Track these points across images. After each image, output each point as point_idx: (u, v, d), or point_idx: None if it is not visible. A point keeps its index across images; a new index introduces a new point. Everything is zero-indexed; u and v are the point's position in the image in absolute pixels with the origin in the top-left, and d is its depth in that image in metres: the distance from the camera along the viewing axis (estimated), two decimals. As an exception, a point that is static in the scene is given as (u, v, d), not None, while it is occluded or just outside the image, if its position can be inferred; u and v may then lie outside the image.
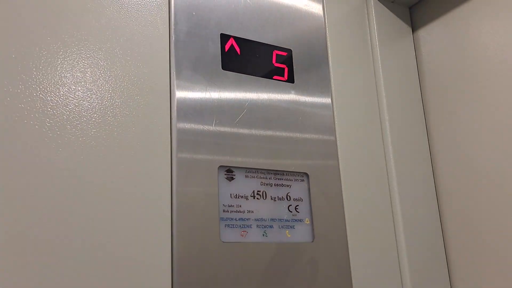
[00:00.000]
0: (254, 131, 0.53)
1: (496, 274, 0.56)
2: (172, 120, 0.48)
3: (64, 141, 0.42)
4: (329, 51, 0.62)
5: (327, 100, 0.59)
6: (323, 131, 0.57)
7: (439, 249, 0.62)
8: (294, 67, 0.58)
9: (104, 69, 0.46)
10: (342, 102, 0.61)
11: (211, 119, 0.50)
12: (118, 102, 0.46)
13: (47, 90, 0.42)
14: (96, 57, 0.46)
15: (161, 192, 0.45)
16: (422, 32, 0.70)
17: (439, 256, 0.61)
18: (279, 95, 0.56)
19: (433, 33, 0.68)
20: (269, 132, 0.54)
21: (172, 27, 0.51)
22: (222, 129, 0.51)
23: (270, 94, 0.55)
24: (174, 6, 0.51)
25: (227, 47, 0.54)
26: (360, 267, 0.55)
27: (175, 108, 0.48)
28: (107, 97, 0.45)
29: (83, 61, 0.45)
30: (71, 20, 0.46)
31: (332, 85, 0.61)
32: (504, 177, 0.56)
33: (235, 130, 0.51)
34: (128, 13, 0.49)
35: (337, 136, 0.58)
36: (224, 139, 0.50)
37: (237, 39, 0.55)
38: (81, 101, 0.44)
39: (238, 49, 0.55)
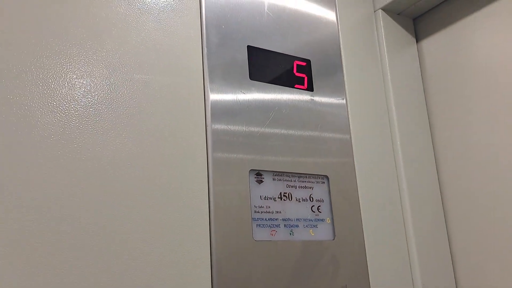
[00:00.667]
0: (279, 135, 0.56)
1: (499, 272, 0.61)
2: (207, 122, 0.51)
3: (107, 143, 0.45)
4: (343, 59, 0.67)
5: (343, 103, 0.64)
6: (339, 131, 0.62)
7: (445, 246, 0.67)
8: (312, 75, 0.62)
9: (145, 80, 0.49)
10: (355, 105, 0.65)
11: (241, 123, 0.54)
12: (159, 108, 0.49)
13: (92, 97, 0.45)
14: (137, 69, 0.49)
15: (199, 192, 0.49)
16: (426, 42, 0.75)
17: (445, 253, 0.66)
18: (301, 102, 0.60)
19: (435, 43, 0.73)
20: (293, 137, 0.57)
21: (204, 39, 0.54)
22: (251, 131, 0.54)
23: (293, 101, 0.59)
24: (206, 20, 0.55)
25: (253, 58, 0.57)
26: (376, 263, 0.59)
27: (210, 110, 0.52)
28: (149, 105, 0.48)
29: (126, 71, 0.48)
30: (115, 35, 0.48)
31: (347, 90, 0.65)
32: (505, 176, 0.61)
33: (263, 133, 0.55)
34: (165, 28, 0.52)
35: (351, 135, 0.63)
36: (253, 140, 0.54)
37: (261, 50, 0.58)
38: (124, 106, 0.47)
39: (263, 60, 0.58)
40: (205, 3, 0.56)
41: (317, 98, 0.61)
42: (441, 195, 0.69)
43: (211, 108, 0.52)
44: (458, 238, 0.67)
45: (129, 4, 0.50)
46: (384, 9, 0.73)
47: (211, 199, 0.49)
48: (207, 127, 0.51)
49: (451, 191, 0.68)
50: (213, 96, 0.53)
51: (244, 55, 0.57)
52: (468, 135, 0.67)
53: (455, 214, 0.67)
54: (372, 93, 0.69)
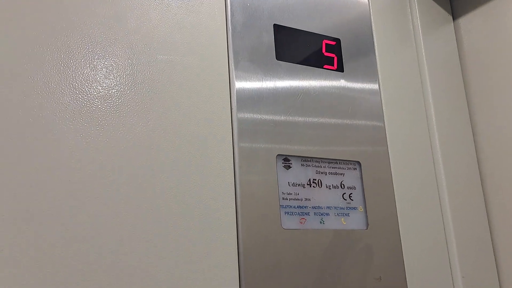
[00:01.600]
0: (308, 119, 0.53)
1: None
2: (233, 110, 0.49)
3: (130, 126, 0.43)
4: (375, 39, 0.63)
5: (375, 87, 0.60)
6: (372, 117, 0.58)
7: (486, 235, 0.63)
8: (343, 56, 0.59)
9: (168, 61, 0.47)
10: (389, 89, 0.61)
11: (267, 109, 0.51)
12: (182, 91, 0.47)
13: (114, 78, 0.44)
14: (160, 49, 0.47)
15: (225, 180, 0.46)
16: (463, 21, 0.70)
17: (486, 243, 0.62)
18: (330, 83, 0.56)
19: (473, 21, 0.69)
20: (322, 120, 0.54)
21: (229, 18, 0.51)
22: (278, 118, 0.51)
23: (321, 83, 0.56)
24: (230, -2, 0.52)
25: (279, 37, 0.54)
26: (412, 253, 0.56)
27: (235, 98, 0.49)
28: (171, 87, 0.46)
29: (148, 52, 0.46)
30: (137, 14, 0.46)
31: (379, 73, 0.61)
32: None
33: (290, 118, 0.52)
34: (188, 7, 0.49)
35: (385, 121, 0.59)
36: (280, 127, 0.51)
37: (289, 29, 0.55)
38: (144, 90, 0.45)
39: (290, 39, 0.55)
40: (229, -20, 0.53)
41: (347, 80, 0.58)
42: (482, 183, 0.65)
43: (236, 96, 0.49)
44: (500, 227, 0.62)
45: (150, -18, 0.48)
46: (419, -15, 0.69)
47: (237, 187, 0.47)
48: (233, 115, 0.49)
49: (493, 180, 0.64)
50: (239, 81, 0.50)
51: (270, 34, 0.54)
52: (510, 119, 0.62)
53: (497, 203, 0.63)
54: (407, 76, 0.65)
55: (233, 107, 0.49)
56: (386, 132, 0.59)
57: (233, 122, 0.48)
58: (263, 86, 0.52)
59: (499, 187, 0.63)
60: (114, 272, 0.39)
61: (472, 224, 0.62)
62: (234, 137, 0.48)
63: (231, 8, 0.52)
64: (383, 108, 0.60)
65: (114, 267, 0.39)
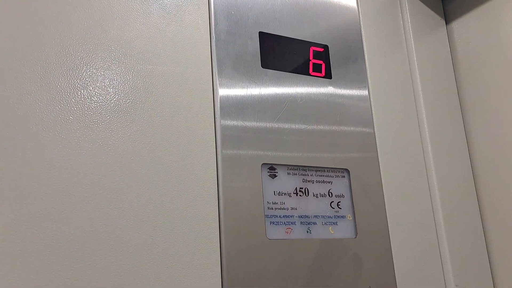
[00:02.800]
0: (294, 127, 0.53)
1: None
2: (216, 118, 0.48)
3: (109, 138, 0.43)
4: (365, 45, 0.62)
5: (365, 93, 0.59)
6: (361, 124, 0.57)
7: (480, 242, 0.61)
8: (331, 62, 0.58)
9: (150, 70, 0.46)
10: (379, 95, 0.61)
11: (253, 116, 0.50)
12: (164, 100, 0.46)
13: (93, 89, 0.43)
14: (142, 58, 0.46)
15: (208, 189, 0.46)
16: (456, 24, 0.69)
17: (480, 250, 0.61)
18: (318, 90, 0.56)
19: (466, 25, 0.68)
20: (309, 128, 0.54)
21: (213, 27, 0.51)
22: (263, 125, 0.51)
23: (309, 90, 0.55)
24: (214, 6, 0.52)
25: (265, 45, 0.54)
26: (403, 262, 0.55)
27: (219, 105, 0.49)
28: (153, 96, 0.46)
29: (128, 62, 0.46)
30: (118, 23, 0.46)
31: (369, 79, 0.60)
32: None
33: (276, 126, 0.52)
34: (171, 15, 0.49)
35: (375, 128, 0.58)
36: (266, 135, 0.51)
37: (274, 36, 0.55)
38: (126, 100, 0.44)
39: (276, 47, 0.55)
40: (213, -12, 0.53)
41: (336, 87, 0.57)
42: (476, 189, 0.64)
43: (220, 103, 0.49)
44: (494, 234, 0.61)
45: (132, -8, 0.48)
46: (410, -11, 0.68)
47: (220, 196, 0.46)
48: (216, 123, 0.48)
49: (487, 185, 0.62)
50: (222, 88, 0.50)
51: (255, 42, 0.53)
52: (505, 125, 0.61)
53: (491, 208, 0.61)
54: (397, 81, 0.64)
55: (216, 115, 0.48)
56: (376, 139, 0.58)
57: (217, 130, 0.48)
58: (248, 94, 0.51)
59: (493, 192, 0.62)
60: (94, 283, 0.38)
61: (466, 231, 0.60)
62: (217, 144, 0.48)
63: (215, 17, 0.52)
64: (373, 114, 0.59)
65: (94, 279, 0.38)
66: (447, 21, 0.71)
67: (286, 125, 0.52)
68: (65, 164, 0.40)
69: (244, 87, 0.51)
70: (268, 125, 0.51)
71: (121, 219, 0.41)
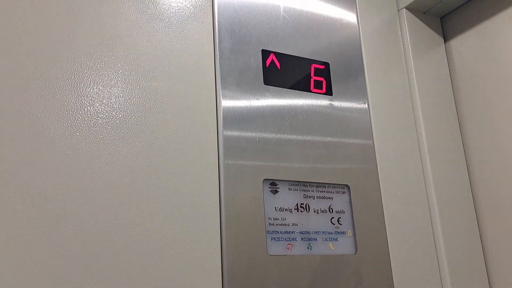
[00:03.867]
0: (296, 143, 0.54)
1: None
2: (219, 131, 0.49)
3: (116, 152, 0.43)
4: (365, 62, 0.63)
5: (364, 109, 0.60)
6: (361, 139, 0.58)
7: (479, 257, 0.62)
8: (331, 79, 0.59)
9: (155, 87, 0.47)
10: (378, 110, 0.62)
11: (255, 130, 0.51)
12: (169, 116, 0.47)
13: (99, 106, 0.44)
14: (147, 76, 0.47)
15: (210, 205, 0.46)
16: (454, 42, 0.71)
17: (479, 264, 0.61)
18: (319, 107, 0.57)
19: (465, 43, 0.69)
20: (310, 143, 0.54)
21: (217, 44, 0.52)
22: (265, 140, 0.52)
23: (310, 107, 0.56)
24: (218, 24, 0.53)
25: (268, 62, 0.55)
26: (402, 278, 0.55)
27: (221, 117, 0.50)
28: (158, 112, 0.47)
29: (134, 79, 0.47)
30: (125, 42, 0.47)
31: (369, 95, 0.61)
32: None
33: (278, 141, 0.52)
34: (176, 34, 0.50)
35: (375, 142, 0.59)
36: (267, 150, 0.51)
37: (277, 54, 0.56)
38: (132, 116, 0.45)
39: (278, 64, 0.56)
40: (218, 7, 0.54)
41: (336, 103, 0.58)
42: (474, 203, 0.64)
43: (223, 114, 0.50)
44: (493, 249, 0.61)
45: (139, 10, 0.49)
46: (409, 8, 0.70)
47: (222, 209, 0.47)
48: (219, 134, 0.49)
49: (484, 198, 0.63)
50: (225, 102, 0.51)
51: (258, 60, 0.54)
52: (502, 140, 0.62)
53: (489, 223, 0.62)
54: (397, 97, 0.65)
55: (219, 125, 0.49)
56: (376, 154, 0.59)
57: (219, 140, 0.49)
58: (250, 109, 0.52)
59: (491, 207, 0.62)
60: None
61: (466, 246, 0.61)
62: (220, 154, 0.48)
63: (219, 35, 0.53)
64: (373, 129, 0.60)
65: (96, 296, 0.39)
66: (446, 39, 0.72)
67: (287, 141, 0.53)
68: (72, 180, 0.41)
69: (247, 104, 0.52)
70: (270, 138, 0.52)
71: (125, 233, 0.42)
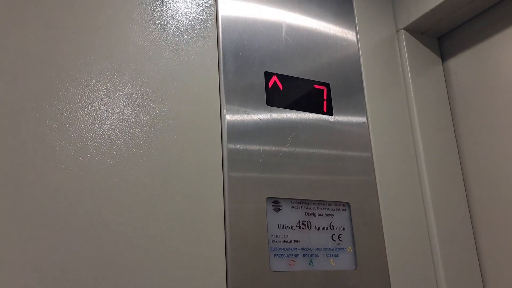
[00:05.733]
0: (297, 162, 0.55)
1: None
2: (223, 141, 0.51)
3: (124, 173, 0.45)
4: (364, 81, 0.65)
5: (364, 128, 0.62)
6: (361, 157, 0.60)
7: (476, 272, 0.63)
8: (332, 99, 0.61)
9: (162, 109, 0.49)
10: (378, 129, 0.64)
11: (258, 151, 0.53)
12: (175, 137, 0.49)
13: (109, 127, 0.46)
14: (155, 98, 0.49)
15: (215, 226, 0.48)
16: (452, 62, 0.73)
17: (475, 279, 0.63)
18: (319, 126, 0.59)
19: (462, 63, 0.71)
20: (311, 162, 0.56)
21: (221, 67, 0.54)
22: (268, 160, 0.53)
23: (311, 126, 0.58)
24: (223, 48, 0.55)
25: (270, 83, 0.57)
26: (402, 294, 0.56)
27: (226, 131, 0.52)
28: (165, 133, 0.49)
29: (143, 102, 0.49)
30: (132, 67, 0.49)
31: (368, 114, 0.63)
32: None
33: (279, 161, 0.54)
34: (182, 58, 0.52)
35: (374, 161, 0.61)
36: (270, 168, 0.53)
37: (279, 76, 0.58)
38: (140, 138, 0.47)
39: (280, 85, 0.58)
40: (222, 30, 0.56)
41: (337, 123, 0.60)
42: (471, 216, 0.66)
43: (227, 128, 0.52)
44: (489, 265, 0.63)
45: (146, 35, 0.51)
46: (407, 29, 0.72)
47: (227, 226, 0.48)
48: (223, 147, 0.51)
49: (481, 212, 0.65)
50: (229, 116, 0.53)
51: (261, 81, 0.56)
52: (498, 157, 0.63)
53: (486, 240, 0.64)
54: (396, 116, 0.67)
55: (224, 142, 0.51)
56: (376, 172, 0.61)
57: (224, 154, 0.51)
58: (254, 130, 0.54)
59: (488, 224, 0.64)
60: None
61: (463, 262, 0.62)
62: (224, 168, 0.50)
63: (223, 58, 0.55)
64: (372, 148, 0.62)
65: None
66: (443, 59, 0.74)
67: (289, 161, 0.55)
68: (83, 200, 0.42)
69: (251, 123, 0.54)
70: (273, 158, 0.54)
71: (132, 253, 0.43)
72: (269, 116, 0.56)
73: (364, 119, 0.62)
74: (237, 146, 0.52)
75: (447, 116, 0.71)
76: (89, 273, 0.41)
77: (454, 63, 0.72)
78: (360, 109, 0.63)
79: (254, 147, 0.53)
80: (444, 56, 0.74)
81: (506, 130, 0.63)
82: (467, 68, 0.70)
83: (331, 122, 0.60)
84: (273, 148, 0.54)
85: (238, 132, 0.53)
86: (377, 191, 0.60)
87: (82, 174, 0.43)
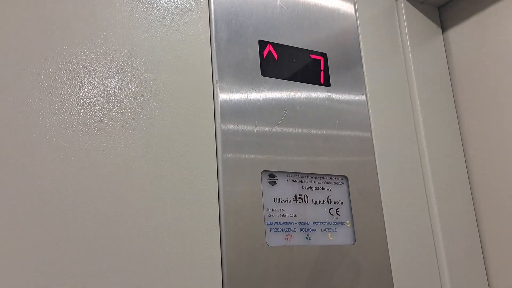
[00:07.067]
0: (294, 134, 0.53)
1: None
2: (217, 122, 0.49)
3: (112, 145, 0.43)
4: (362, 52, 0.63)
5: (362, 100, 0.60)
6: (359, 129, 0.58)
7: (476, 247, 0.62)
8: (329, 70, 0.59)
9: (151, 78, 0.47)
10: (376, 101, 0.61)
11: (253, 123, 0.51)
12: (165, 107, 0.47)
13: (95, 97, 0.44)
14: (143, 67, 0.47)
15: (208, 197, 0.46)
16: (452, 32, 0.70)
17: (476, 255, 0.62)
18: (317, 98, 0.56)
19: (463, 33, 0.69)
20: (308, 135, 0.54)
21: (213, 35, 0.52)
22: (263, 133, 0.51)
23: (308, 98, 0.56)
24: (214, 15, 0.52)
25: (265, 53, 0.55)
26: (400, 268, 0.55)
27: (219, 110, 0.49)
28: (154, 104, 0.46)
29: (130, 70, 0.46)
30: (119, 33, 0.47)
31: (366, 85, 0.61)
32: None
33: (275, 133, 0.52)
34: (172, 24, 0.50)
35: (373, 133, 0.59)
36: (265, 142, 0.51)
37: (274, 45, 0.55)
38: (128, 108, 0.45)
39: (275, 55, 0.55)
40: (214, -3, 0.53)
41: (334, 94, 0.58)
42: (472, 194, 0.64)
43: (220, 107, 0.49)
44: (490, 240, 0.62)
45: (133, 1, 0.49)
46: (406, -3, 0.69)
47: (221, 202, 0.47)
48: (217, 127, 0.49)
49: (483, 191, 0.63)
50: (223, 95, 0.50)
51: (255, 50, 0.54)
52: (500, 130, 0.62)
53: (487, 215, 0.62)
54: (395, 88, 0.65)
55: (217, 120, 0.49)
56: (374, 144, 0.59)
57: (217, 134, 0.48)
58: (248, 101, 0.52)
59: (489, 199, 0.62)
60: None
61: (463, 238, 0.61)
62: (218, 148, 0.48)
63: (215, 25, 0.52)
64: (371, 119, 0.60)
65: (94, 288, 0.39)
66: (443, 29, 0.72)
67: (285, 133, 0.53)
68: (69, 171, 0.40)
69: (244, 94, 0.52)
70: (268, 131, 0.52)
71: (122, 224, 0.41)
72: (263, 87, 0.53)
73: (363, 92, 0.60)
74: (231, 119, 0.50)
75: (448, 88, 0.69)
76: (74, 235, 0.39)
77: (454, 33, 0.70)
78: (359, 81, 0.61)
79: (249, 119, 0.51)
80: (444, 26, 0.72)
81: (509, 102, 0.61)
82: (468, 38, 0.68)
83: (328, 94, 0.57)
84: (268, 120, 0.52)
85: (231, 102, 0.50)
86: (375, 165, 0.58)
87: (67, 146, 0.41)
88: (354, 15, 0.64)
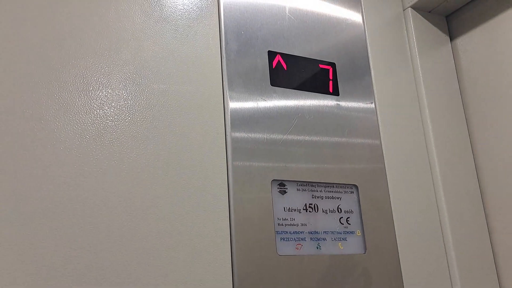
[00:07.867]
0: (303, 143, 0.54)
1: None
2: (227, 131, 0.49)
3: (125, 155, 0.44)
4: (371, 61, 0.63)
5: (371, 108, 0.60)
6: (368, 138, 0.58)
7: (488, 255, 0.61)
8: (338, 79, 0.59)
9: (163, 90, 0.48)
10: (385, 109, 0.62)
11: (263, 131, 0.51)
12: (177, 118, 0.47)
13: (108, 108, 0.44)
14: (155, 78, 0.48)
15: (219, 203, 0.46)
16: (460, 41, 0.70)
17: (489, 264, 0.61)
18: (326, 107, 0.57)
19: (471, 41, 0.69)
20: (318, 144, 0.55)
21: (223, 46, 0.52)
22: (273, 141, 0.52)
23: (317, 107, 0.56)
24: (224, 27, 0.53)
25: (274, 63, 0.55)
26: (412, 277, 0.55)
27: (229, 119, 0.50)
28: (166, 114, 0.47)
29: (142, 82, 0.47)
30: (132, 45, 0.48)
31: (375, 94, 0.61)
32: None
33: (285, 142, 0.52)
34: (183, 36, 0.51)
35: (382, 141, 0.59)
36: (275, 151, 0.51)
37: (283, 55, 0.56)
38: (140, 118, 0.46)
39: (284, 65, 0.56)
40: (223, 9, 0.54)
41: (343, 103, 0.58)
42: (483, 202, 0.64)
43: (230, 116, 0.50)
44: (503, 248, 0.61)
45: (146, 14, 0.50)
46: (414, 7, 0.70)
47: (231, 210, 0.47)
48: (227, 136, 0.49)
49: (494, 198, 0.63)
50: (233, 104, 0.51)
51: (264, 61, 0.55)
52: (509, 137, 0.61)
53: (499, 223, 0.62)
54: (404, 96, 0.65)
55: (227, 126, 0.49)
56: (383, 153, 0.59)
57: (227, 142, 0.49)
58: (258, 108, 0.52)
59: (500, 208, 0.62)
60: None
61: (475, 246, 0.61)
62: (228, 156, 0.49)
63: (225, 37, 0.53)
64: (380, 129, 0.60)
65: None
66: (452, 37, 0.72)
67: (295, 140, 0.53)
68: (82, 181, 0.41)
69: (254, 103, 0.52)
70: (278, 140, 0.52)
71: (134, 234, 0.42)
72: (273, 97, 0.54)
73: (371, 100, 0.61)
74: (241, 127, 0.50)
75: (457, 96, 0.69)
76: (89, 244, 0.40)
77: (463, 41, 0.70)
78: (367, 90, 0.61)
79: (258, 127, 0.51)
80: (452, 34, 0.72)
81: (518, 109, 0.61)
82: (476, 47, 0.68)
83: (337, 103, 0.58)
84: (278, 129, 0.53)
85: (241, 112, 0.51)
86: (385, 173, 0.58)
87: (81, 156, 0.42)
88: (362, 25, 0.64)
